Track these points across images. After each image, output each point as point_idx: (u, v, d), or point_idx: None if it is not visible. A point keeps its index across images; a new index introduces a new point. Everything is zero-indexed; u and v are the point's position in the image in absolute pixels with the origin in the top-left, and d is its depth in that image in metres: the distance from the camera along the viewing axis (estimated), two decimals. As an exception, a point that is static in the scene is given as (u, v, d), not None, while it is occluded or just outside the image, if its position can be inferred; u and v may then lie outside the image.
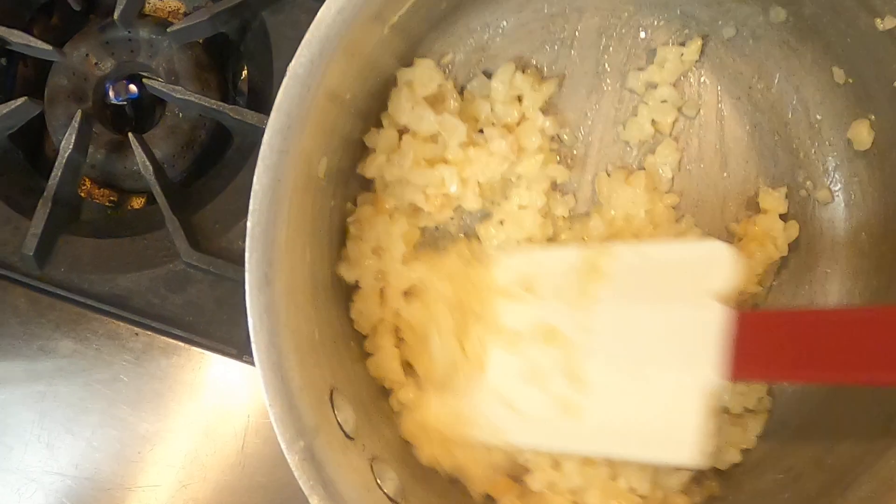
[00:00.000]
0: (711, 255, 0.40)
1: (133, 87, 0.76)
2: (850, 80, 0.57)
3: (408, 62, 0.56)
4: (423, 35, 0.57)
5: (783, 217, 0.58)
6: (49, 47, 0.70)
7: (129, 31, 0.75)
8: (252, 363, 0.68)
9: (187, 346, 0.69)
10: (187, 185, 0.77)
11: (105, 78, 0.76)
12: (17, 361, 0.68)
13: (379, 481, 0.43)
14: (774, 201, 0.58)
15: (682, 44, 0.61)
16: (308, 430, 0.41)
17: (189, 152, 0.76)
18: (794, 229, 0.58)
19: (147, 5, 0.80)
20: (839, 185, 0.60)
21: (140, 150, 0.69)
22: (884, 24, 0.50)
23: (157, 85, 0.71)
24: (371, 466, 0.44)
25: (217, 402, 0.68)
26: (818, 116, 0.60)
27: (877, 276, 0.55)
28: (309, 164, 0.47)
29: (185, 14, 0.81)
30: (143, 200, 0.79)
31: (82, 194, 0.77)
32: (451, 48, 0.60)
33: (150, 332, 0.69)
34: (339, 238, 0.57)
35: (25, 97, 0.70)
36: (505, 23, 0.61)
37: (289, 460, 0.41)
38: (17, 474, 0.67)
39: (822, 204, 0.60)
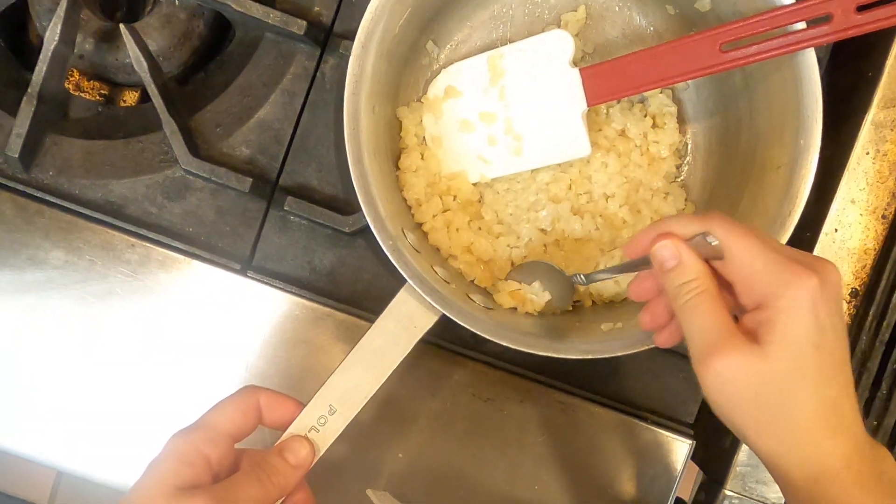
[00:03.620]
0: (560, 37, 0.62)
1: (124, -29, 0.69)
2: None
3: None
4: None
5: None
6: (28, -79, 0.63)
7: None
8: (256, 279, 0.64)
9: (187, 259, 0.64)
10: (184, 81, 0.71)
11: (92, -43, 0.69)
12: (4, 272, 0.63)
13: (435, 270, 0.59)
14: None
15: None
16: (392, 237, 0.56)
17: (186, 44, 0.69)
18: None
19: None
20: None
21: (133, 42, 0.62)
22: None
23: (151, -31, 0.63)
24: (431, 267, 0.59)
25: (219, 320, 0.64)
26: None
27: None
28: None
29: None
30: (136, 95, 0.72)
31: (70, 87, 0.71)
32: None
33: (146, 244, 0.64)
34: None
35: (4, -21, 0.63)
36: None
37: (385, 250, 0.55)
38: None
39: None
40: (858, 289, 0.66)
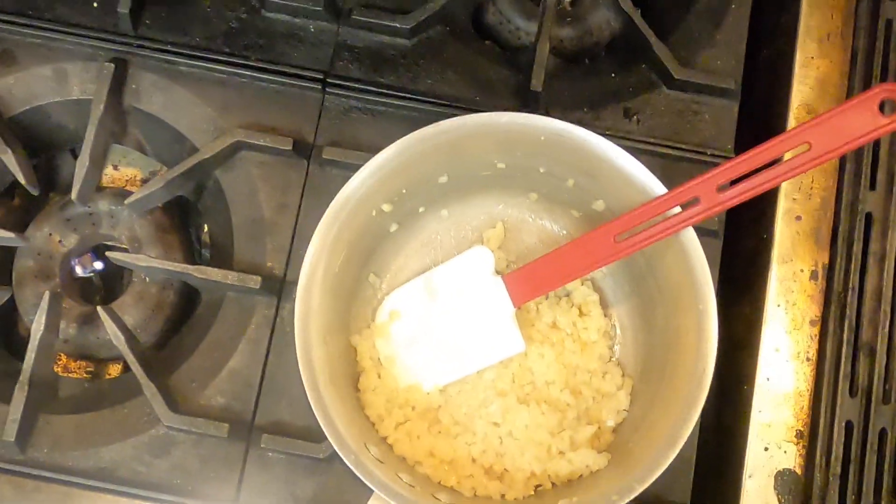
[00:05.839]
0: (481, 253, 0.71)
1: (98, 264, 0.78)
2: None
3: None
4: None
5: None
6: (11, 235, 0.72)
7: (89, 206, 0.78)
8: (244, 518, 0.68)
9: (178, 509, 0.69)
10: (161, 345, 0.78)
11: (70, 253, 0.78)
12: (7, 551, 0.67)
13: (400, 476, 0.64)
14: None
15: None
16: (354, 452, 0.61)
17: (160, 314, 0.77)
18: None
19: (104, 177, 0.82)
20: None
21: (110, 321, 0.70)
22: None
23: (120, 257, 0.72)
24: (396, 474, 0.64)
25: (214, 563, 0.67)
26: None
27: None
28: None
29: (143, 180, 0.83)
30: (119, 367, 0.79)
31: (58, 370, 0.78)
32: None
33: (138, 502, 0.69)
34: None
35: (-7, 287, 0.71)
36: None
37: (349, 465, 0.60)
38: None
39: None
40: (802, 430, 0.70)
